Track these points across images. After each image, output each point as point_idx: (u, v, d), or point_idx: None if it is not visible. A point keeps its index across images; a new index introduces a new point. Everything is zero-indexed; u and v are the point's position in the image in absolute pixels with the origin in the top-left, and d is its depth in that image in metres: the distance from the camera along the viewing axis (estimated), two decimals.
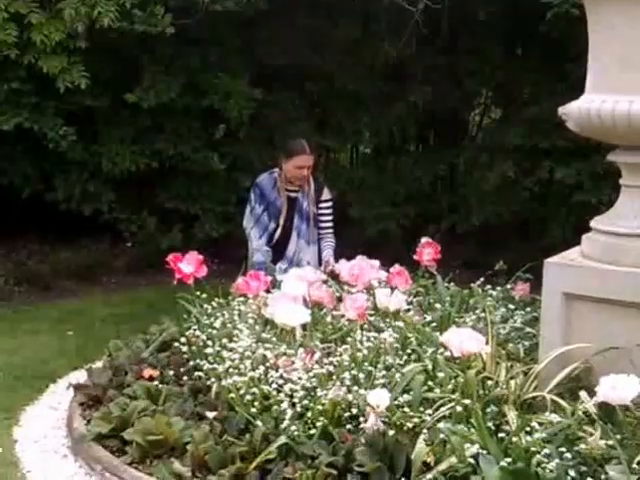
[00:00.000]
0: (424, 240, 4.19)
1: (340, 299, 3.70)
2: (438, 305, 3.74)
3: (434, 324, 3.54)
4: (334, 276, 4.00)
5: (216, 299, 3.82)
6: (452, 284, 4.02)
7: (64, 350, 4.45)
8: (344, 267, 3.96)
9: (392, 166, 6.66)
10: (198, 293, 3.81)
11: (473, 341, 3.02)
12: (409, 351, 3.26)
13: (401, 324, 3.45)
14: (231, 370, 3.18)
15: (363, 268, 3.86)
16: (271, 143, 6.29)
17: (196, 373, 3.32)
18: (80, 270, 5.93)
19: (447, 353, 3.11)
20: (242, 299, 3.80)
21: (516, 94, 6.34)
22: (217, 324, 3.59)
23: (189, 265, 3.80)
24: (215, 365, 3.28)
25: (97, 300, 5.50)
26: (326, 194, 4.70)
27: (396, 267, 3.95)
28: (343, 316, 3.51)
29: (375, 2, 5.45)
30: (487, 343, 3.08)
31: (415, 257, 4.12)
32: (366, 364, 3.14)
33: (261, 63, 6.10)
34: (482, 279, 4.03)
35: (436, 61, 6.16)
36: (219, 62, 5.98)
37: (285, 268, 4.38)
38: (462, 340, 3.02)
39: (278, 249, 4.55)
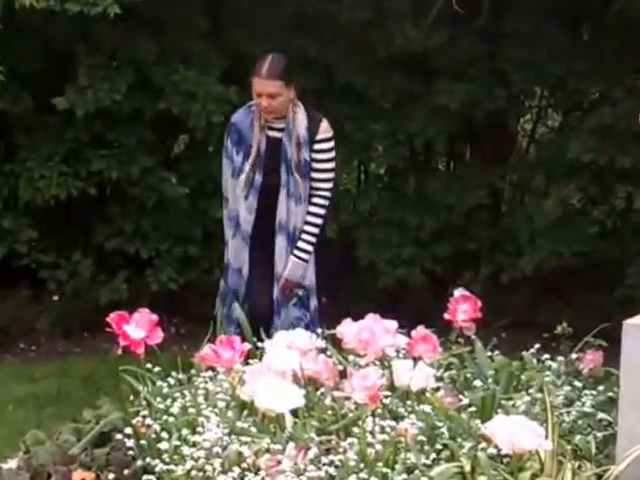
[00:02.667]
0: (458, 292, 4.18)
1: (344, 374, 3.67)
2: (478, 382, 3.72)
3: (473, 409, 3.51)
4: (336, 341, 3.99)
5: (174, 374, 3.80)
6: (497, 353, 3.98)
7: None
8: (349, 330, 3.94)
9: (414, 191, 6.67)
10: (149, 366, 3.78)
11: (527, 433, 2.99)
12: (439, 446, 3.23)
13: (428, 409, 3.42)
14: (194, 473, 3.14)
15: (375, 332, 3.84)
16: None
17: (145, 477, 3.28)
18: None
19: (492, 449, 3.08)
20: (210, 374, 3.77)
21: (581, 94, 6.37)
22: (175, 409, 3.55)
23: (138, 328, 3.78)
24: (172, 466, 3.24)
25: (10, 374, 5.48)
26: (323, 131, 4.76)
27: (420, 330, 3.93)
28: (348, 398, 3.49)
29: None
30: (546, 436, 3.04)
31: (446, 316, 4.11)
32: (380, 464, 3.11)
33: (236, 53, 6.13)
34: (537, 346, 4.00)
35: (473, 50, 6.19)
36: (179, 52, 6.01)
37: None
38: (512, 431, 2.99)
39: (262, 215, 4.71)
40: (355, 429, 3.30)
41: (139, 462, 3.38)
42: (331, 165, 4.79)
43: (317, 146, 4.71)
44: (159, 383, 3.75)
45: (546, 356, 3.95)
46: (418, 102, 6.32)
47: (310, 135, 4.70)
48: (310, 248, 4.78)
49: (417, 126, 6.34)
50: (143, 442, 3.43)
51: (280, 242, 4.75)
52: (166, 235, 6.26)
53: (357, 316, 4.00)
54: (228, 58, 6.13)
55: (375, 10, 6.08)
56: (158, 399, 3.66)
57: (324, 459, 3.16)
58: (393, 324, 3.94)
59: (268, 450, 3.19)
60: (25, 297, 6.22)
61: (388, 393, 3.55)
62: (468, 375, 3.82)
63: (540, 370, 3.84)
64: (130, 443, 3.45)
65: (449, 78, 6.21)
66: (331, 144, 4.78)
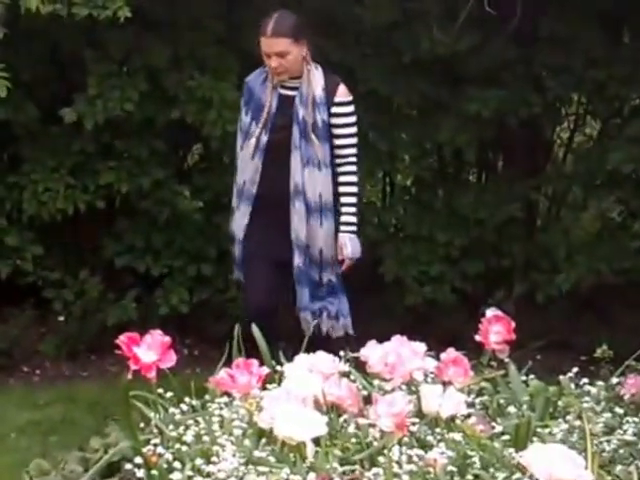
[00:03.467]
0: (490, 312, 4.17)
1: (369, 400, 3.67)
2: (512, 408, 3.71)
3: (506, 437, 3.49)
4: (359, 363, 3.98)
5: (187, 400, 3.80)
6: (532, 377, 3.97)
7: None
8: (374, 353, 3.93)
9: (443, 204, 6.66)
10: (161, 391, 3.78)
11: (566, 462, 2.98)
12: (470, 477, 3.22)
13: (458, 437, 3.41)
14: None
15: (401, 355, 3.83)
16: None
17: None
18: None
19: None
20: (225, 400, 3.77)
21: (621, 100, 6.35)
22: (189, 437, 3.55)
23: (150, 350, 3.78)
24: None
25: (13, 399, 5.50)
26: (342, 94, 4.82)
27: (450, 352, 3.92)
28: (373, 425, 3.49)
29: None
30: (586, 466, 3.03)
31: (478, 337, 4.10)
32: None
33: (253, 57, 6.13)
34: (575, 369, 3.99)
35: (506, 54, 6.18)
36: (194, 57, 6.03)
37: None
38: (549, 461, 2.98)
39: (271, 176, 4.81)
40: (380, 459, 3.30)
41: None
42: (353, 130, 4.86)
43: (336, 109, 4.77)
44: (171, 409, 3.75)
45: (585, 380, 3.93)
46: (447, 109, 6.32)
47: (327, 97, 4.75)
48: (355, 219, 4.92)
49: (446, 135, 6.34)
50: (154, 472, 3.43)
51: (298, 208, 4.81)
52: (179, 252, 6.27)
53: (383, 337, 4.00)
54: (245, 62, 6.13)
55: (400, 11, 6.08)
56: (170, 426, 3.66)
57: None
58: (421, 346, 3.93)
59: None
60: (29, 317, 6.23)
61: (416, 420, 3.54)
62: (501, 401, 3.82)
63: (578, 395, 3.82)
64: (140, 473, 3.45)
65: (480, 84, 6.21)
66: (351, 108, 4.84)
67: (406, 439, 3.43)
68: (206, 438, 3.54)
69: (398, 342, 3.93)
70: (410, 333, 4.03)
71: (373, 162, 6.52)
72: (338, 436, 3.51)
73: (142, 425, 3.76)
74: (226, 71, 6.04)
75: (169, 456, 3.45)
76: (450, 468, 3.25)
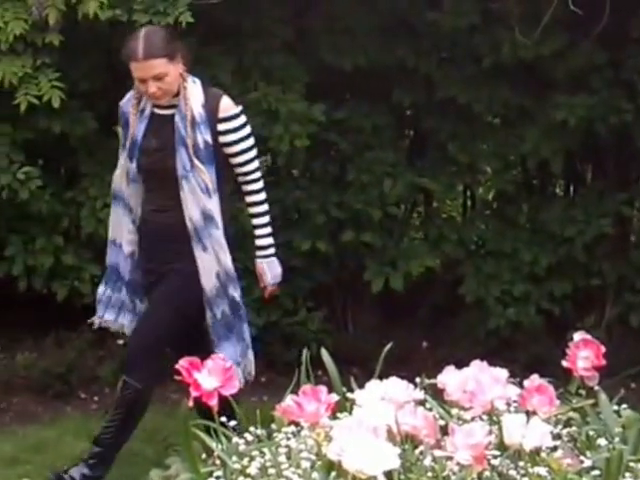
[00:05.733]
0: (579, 336, 4.13)
1: (446, 430, 3.64)
2: (602, 441, 3.66)
3: (597, 472, 3.46)
4: (437, 392, 3.95)
5: (252, 429, 3.79)
6: (624, 406, 3.93)
7: None
8: (453, 379, 3.90)
9: (527, 220, 6.62)
10: (224, 419, 3.78)
11: None
12: None
13: (543, 471, 3.38)
14: None
15: (481, 381, 3.80)
16: (340, 183, 6.32)
17: None
18: (46, 381, 5.97)
19: None
20: (292, 429, 3.76)
21: None
22: (253, 469, 3.55)
23: (211, 376, 3.79)
24: None
25: (70, 427, 5.53)
26: (225, 108, 4.59)
27: (534, 379, 3.88)
28: (451, 458, 3.46)
29: None
30: None
31: (565, 363, 4.05)
32: None
33: (323, 66, 6.15)
34: None
35: (594, 57, 6.14)
36: (259, 64, 6.04)
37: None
38: None
39: (159, 221, 4.65)
40: None
41: None
42: (249, 143, 4.65)
43: (223, 126, 4.57)
44: (235, 439, 3.75)
45: None
46: (531, 118, 6.30)
47: (209, 114, 4.55)
48: (270, 240, 4.80)
49: (530, 145, 6.31)
50: None
51: (201, 255, 4.60)
52: (244, 271, 6.27)
53: (462, 363, 3.97)
54: (314, 72, 6.15)
55: (480, 14, 6.06)
56: (234, 458, 3.66)
57: None
58: (503, 372, 3.90)
59: None
60: (87, 341, 6.27)
61: (497, 453, 3.51)
62: (591, 432, 3.77)
63: None
64: None
65: (566, 90, 6.18)
66: (241, 120, 4.61)
67: (487, 473, 3.41)
68: (272, 470, 3.53)
69: (478, 368, 3.91)
70: (492, 358, 4.01)
71: (453, 175, 6.52)
72: (413, 469, 3.49)
73: (204, 456, 3.77)
74: (294, 81, 6.05)
75: None
76: None
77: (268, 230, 4.80)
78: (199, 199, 4.54)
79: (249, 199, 4.76)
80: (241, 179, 4.70)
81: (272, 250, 4.84)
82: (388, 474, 3.40)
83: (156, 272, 4.71)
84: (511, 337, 6.28)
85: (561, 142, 6.33)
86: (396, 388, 3.85)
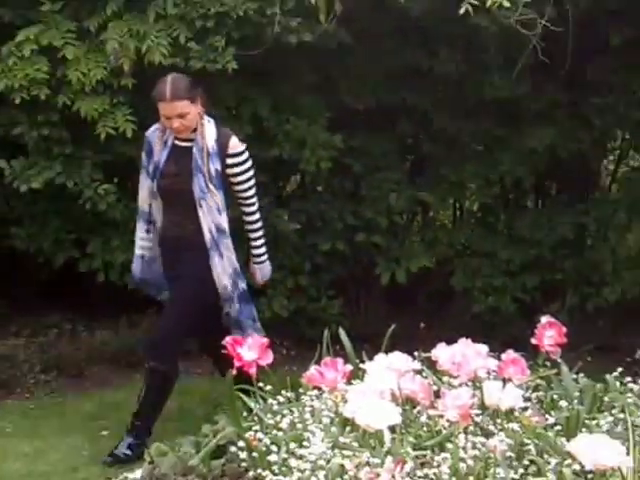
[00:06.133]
0: (545, 319, 4.10)
1: (438, 394, 3.61)
2: (564, 403, 3.63)
3: (558, 427, 3.44)
4: (431, 363, 3.92)
5: (283, 392, 3.78)
6: (581, 375, 3.90)
7: (97, 455, 4.46)
8: (444, 353, 3.88)
9: (504, 226, 6.59)
10: (261, 385, 3.77)
11: (610, 451, 2.90)
12: (526, 462, 3.17)
13: (516, 427, 3.36)
14: None
15: (467, 355, 3.78)
16: (355, 197, 6.30)
17: None
18: (120, 354, 5.99)
19: (576, 466, 3.00)
20: (316, 393, 3.74)
21: None
22: (284, 424, 3.53)
23: (251, 350, 3.78)
24: (281, 477, 3.22)
25: (138, 390, 5.50)
26: (233, 146, 4.56)
27: (509, 354, 3.85)
28: (442, 416, 3.43)
29: (483, 27, 5.44)
30: (628, 453, 2.95)
31: (534, 341, 4.02)
32: (471, 478, 3.05)
33: (341, 103, 6.14)
34: (620, 369, 3.90)
35: (558, 97, 6.11)
36: (291, 102, 6.03)
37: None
38: (595, 449, 2.91)
39: (179, 238, 4.59)
40: (448, 445, 3.25)
41: (251, 473, 3.37)
42: (250, 174, 4.61)
43: (230, 160, 4.54)
44: (270, 401, 3.74)
45: (628, 379, 3.84)
46: (507, 145, 6.25)
47: (220, 149, 4.52)
48: (264, 248, 4.79)
49: (507, 167, 6.27)
50: (255, 454, 3.42)
51: (218, 260, 4.57)
52: (279, 266, 6.26)
53: (451, 340, 3.95)
54: (334, 109, 6.13)
55: (467, 63, 6.04)
56: (269, 415, 3.65)
57: (419, 472, 3.11)
58: (484, 348, 3.88)
59: (368, 463, 3.16)
60: (151, 322, 6.26)
61: (479, 412, 3.49)
62: (554, 396, 3.74)
63: (622, 392, 3.73)
64: (243, 455, 3.45)
65: (536, 123, 6.14)
66: (244, 156, 4.58)
67: (471, 428, 3.39)
68: (299, 425, 3.52)
69: (464, 344, 3.88)
70: (475, 337, 3.98)
71: (445, 190, 6.47)
72: (411, 425, 3.47)
73: (245, 414, 3.76)
74: (318, 116, 6.02)
75: (267, 440, 3.44)
76: (509, 454, 3.20)
77: (262, 241, 4.78)
78: (213, 216, 4.53)
79: (247, 218, 4.72)
80: (241, 202, 4.67)
81: (264, 257, 4.82)
82: (392, 428, 3.39)
83: (175, 275, 4.67)
84: (491, 320, 6.24)
85: (531, 164, 6.29)
86: (398, 360, 3.82)
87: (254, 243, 4.78)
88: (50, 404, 5.31)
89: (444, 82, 6.22)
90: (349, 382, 3.77)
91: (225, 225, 4.57)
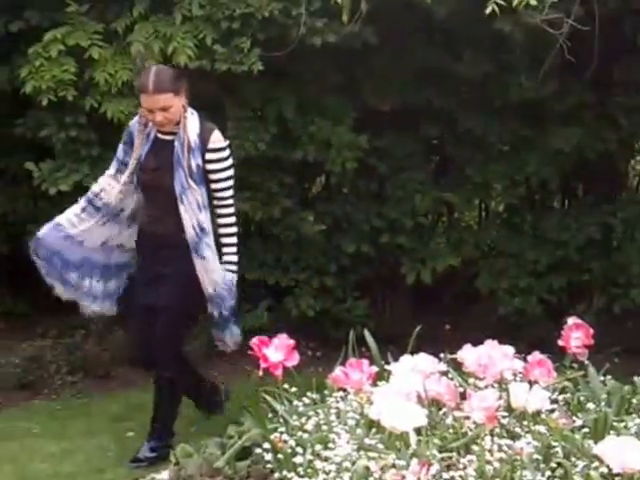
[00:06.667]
0: (572, 321, 4.08)
1: (464, 396, 3.60)
2: (591, 405, 3.62)
3: (586, 430, 3.42)
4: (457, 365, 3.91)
5: (308, 394, 3.77)
6: (609, 377, 3.90)
7: (123, 456, 4.45)
8: (470, 355, 3.87)
9: (531, 227, 6.55)
10: (287, 386, 3.76)
11: (638, 453, 2.88)
12: (553, 465, 3.16)
13: (543, 429, 3.35)
14: None
15: (493, 356, 3.77)
16: (380, 198, 6.28)
17: None
18: None
19: (603, 469, 2.99)
20: (341, 394, 3.74)
21: None
22: (309, 426, 3.53)
23: (277, 351, 3.77)
24: (306, 478, 3.22)
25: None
26: (215, 141, 4.35)
27: (536, 355, 3.84)
28: (468, 418, 3.42)
29: (508, 27, 5.40)
30: None
31: (560, 342, 4.00)
32: None
33: (366, 104, 6.12)
34: None
35: (585, 97, 6.06)
36: (316, 104, 6.01)
37: None
38: (623, 452, 2.89)
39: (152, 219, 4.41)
40: (474, 447, 3.24)
41: (276, 475, 3.37)
42: (229, 173, 4.39)
43: (210, 155, 4.32)
44: (295, 402, 3.74)
45: None
46: (533, 146, 6.21)
47: (201, 143, 4.31)
48: (236, 258, 4.47)
49: (533, 167, 6.22)
50: (280, 456, 3.42)
51: (197, 259, 4.34)
52: (304, 267, 6.26)
53: (477, 342, 3.93)
54: (359, 110, 6.11)
55: (493, 63, 6.00)
56: (294, 417, 3.65)
57: (445, 475, 3.11)
58: (510, 349, 3.87)
59: (394, 465, 3.15)
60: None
61: (505, 414, 3.48)
62: (581, 398, 3.73)
63: None
64: (269, 457, 3.45)
65: (562, 123, 6.09)
66: (225, 153, 4.37)
67: (497, 430, 3.38)
68: (324, 427, 3.52)
69: (490, 346, 3.88)
70: (501, 338, 3.97)
71: (470, 191, 6.43)
72: (437, 427, 3.47)
73: (270, 415, 3.75)
74: (343, 117, 6.00)
75: (293, 442, 3.44)
76: (535, 456, 3.18)
77: (234, 249, 4.48)
78: (194, 213, 4.32)
79: (221, 221, 4.45)
80: (217, 202, 4.41)
81: (235, 267, 4.49)
82: (417, 430, 3.38)
83: (155, 275, 4.44)
84: (517, 321, 6.20)
85: (558, 165, 6.24)
86: (424, 362, 3.82)
87: (227, 250, 4.48)
88: (76, 405, 5.31)
89: (469, 83, 6.18)
90: (374, 383, 3.77)
91: (206, 224, 4.35)
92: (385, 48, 5.83)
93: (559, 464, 3.15)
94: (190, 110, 4.41)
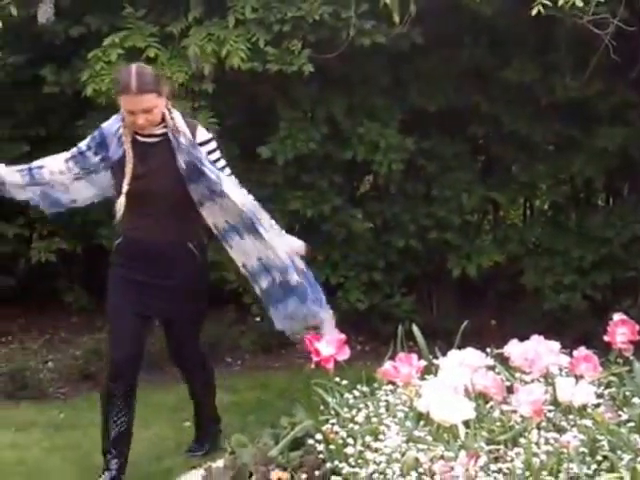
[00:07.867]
0: (617, 317, 4.03)
1: (511, 390, 3.58)
2: (636, 399, 3.56)
3: (632, 424, 3.37)
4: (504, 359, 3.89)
5: (359, 387, 3.77)
6: None
7: (181, 445, 4.49)
8: (516, 349, 3.84)
9: (575, 225, 6.52)
10: (338, 379, 3.77)
11: None
12: (599, 458, 3.11)
13: (589, 423, 3.31)
14: (376, 475, 3.11)
15: (539, 351, 3.73)
16: (427, 198, 6.28)
17: (334, 478, 3.27)
18: None
19: None
20: (390, 387, 3.73)
21: None
22: (360, 418, 3.52)
23: (329, 345, 3.78)
24: (357, 469, 3.21)
25: (219, 385, 5.51)
26: (201, 134, 4.07)
27: (581, 350, 3.80)
28: (515, 412, 3.40)
29: (554, 28, 5.38)
30: None
31: (606, 338, 3.97)
32: (544, 473, 3.01)
33: (413, 106, 6.11)
34: None
35: (630, 97, 6.01)
36: (364, 105, 6.02)
37: None
38: None
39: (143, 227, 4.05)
40: (521, 440, 3.21)
41: (328, 465, 3.37)
42: (223, 162, 4.13)
43: (205, 148, 4.05)
44: (346, 395, 3.73)
45: None
46: (578, 145, 6.18)
47: (189, 139, 4.01)
48: (272, 221, 4.23)
49: (577, 166, 6.20)
50: (332, 447, 3.42)
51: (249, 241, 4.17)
52: (353, 264, 6.27)
53: (523, 337, 3.91)
54: (406, 112, 6.11)
55: (539, 64, 5.96)
56: (345, 409, 3.64)
57: (493, 467, 3.08)
58: (556, 345, 3.83)
59: (442, 457, 3.14)
60: (231, 318, 6.32)
61: (551, 408, 3.45)
62: (627, 393, 3.68)
63: None
64: (320, 448, 3.45)
65: (607, 123, 6.06)
66: (214, 144, 4.10)
67: (543, 424, 3.34)
68: (374, 419, 3.50)
69: (536, 341, 3.84)
70: (547, 334, 3.94)
71: (515, 190, 6.43)
72: (485, 420, 3.43)
73: (322, 407, 3.76)
74: (390, 119, 6.01)
75: (344, 434, 3.43)
76: (582, 450, 3.15)
77: (264, 214, 4.24)
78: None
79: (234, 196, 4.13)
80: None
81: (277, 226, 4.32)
82: (465, 423, 3.37)
83: (152, 284, 4.17)
84: (562, 317, 6.17)
85: (602, 164, 6.20)
86: (471, 356, 3.79)
87: (259, 216, 4.22)
88: None
89: (515, 83, 6.16)
90: (423, 377, 3.76)
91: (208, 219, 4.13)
92: (432, 49, 5.83)
93: (605, 457, 3.10)
94: (173, 110, 4.10)
